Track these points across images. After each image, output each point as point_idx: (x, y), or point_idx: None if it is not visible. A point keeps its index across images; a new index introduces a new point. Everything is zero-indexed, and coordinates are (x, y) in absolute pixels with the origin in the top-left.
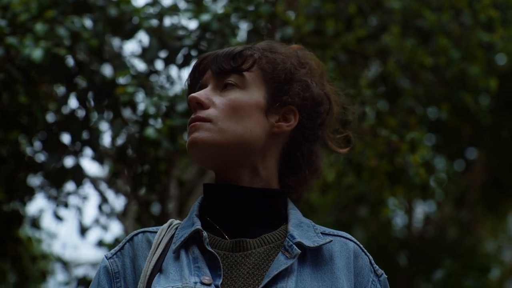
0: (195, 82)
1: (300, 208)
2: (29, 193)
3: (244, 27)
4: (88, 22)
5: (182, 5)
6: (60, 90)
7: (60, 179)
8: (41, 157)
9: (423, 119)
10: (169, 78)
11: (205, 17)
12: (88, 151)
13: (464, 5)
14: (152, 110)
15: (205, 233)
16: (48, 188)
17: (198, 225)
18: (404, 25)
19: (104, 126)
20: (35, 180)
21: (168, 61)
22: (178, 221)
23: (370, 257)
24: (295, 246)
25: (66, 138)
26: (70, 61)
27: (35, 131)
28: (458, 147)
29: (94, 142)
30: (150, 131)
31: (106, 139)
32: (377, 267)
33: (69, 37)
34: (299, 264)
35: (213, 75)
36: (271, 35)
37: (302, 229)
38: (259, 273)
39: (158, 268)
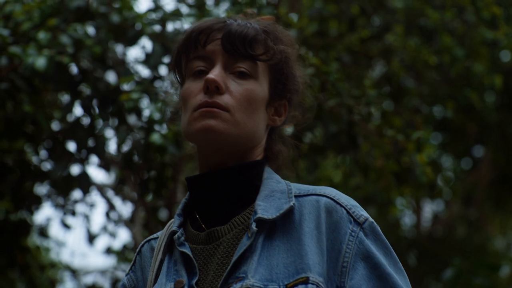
0: (194, 48)
1: None
2: (36, 202)
3: None
4: (91, 30)
5: (185, 10)
6: (65, 98)
7: (66, 187)
8: (47, 166)
9: (429, 118)
10: (173, 84)
11: None
12: (94, 159)
13: (467, 3)
14: (157, 116)
15: (178, 234)
16: (55, 196)
17: (175, 225)
18: (407, 25)
19: (109, 133)
20: (41, 189)
21: None
22: None
23: (349, 206)
24: (254, 224)
25: (71, 146)
26: (74, 68)
27: (41, 140)
28: (464, 145)
29: (100, 149)
30: (155, 137)
31: (112, 146)
32: (359, 214)
33: (72, 44)
34: (266, 239)
35: (223, 52)
36: None
37: (272, 198)
38: (228, 261)
39: (158, 277)
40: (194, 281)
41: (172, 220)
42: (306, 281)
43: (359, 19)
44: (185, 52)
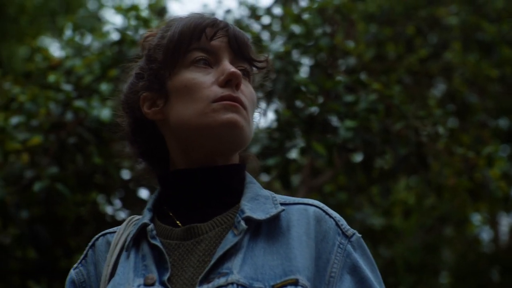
0: (197, 39)
1: (383, 234)
2: None
3: (306, 62)
4: None
5: None
6: None
7: None
8: (121, 215)
9: (496, 131)
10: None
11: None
12: None
13: None
14: None
15: (150, 226)
16: None
17: (146, 218)
18: (464, 40)
19: None
20: None
21: None
22: (138, 217)
23: (338, 218)
24: (242, 222)
25: (143, 193)
26: None
27: (113, 190)
28: None
29: None
30: None
31: None
32: (347, 227)
33: None
34: (251, 239)
35: (230, 50)
36: (334, 66)
37: (257, 202)
38: (210, 259)
39: (115, 271)
40: (165, 277)
41: (132, 216)
42: (295, 283)
43: (415, 39)
44: (184, 42)
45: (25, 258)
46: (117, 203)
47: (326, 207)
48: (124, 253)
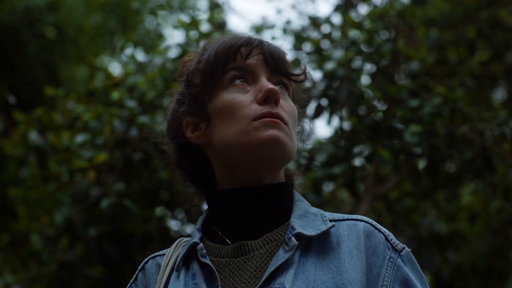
0: (232, 59)
1: (450, 239)
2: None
3: (368, 68)
4: None
5: (303, 56)
6: None
7: None
8: (187, 230)
9: None
10: (303, 132)
11: (329, 65)
12: None
13: None
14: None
15: (200, 245)
16: None
17: (196, 238)
18: None
19: None
20: None
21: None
22: (186, 239)
23: (387, 233)
24: (293, 238)
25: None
26: None
27: (177, 205)
28: None
29: None
30: None
31: None
32: (397, 242)
33: None
34: (302, 255)
35: (266, 67)
36: (396, 72)
37: (307, 219)
38: (261, 275)
39: None
40: None
41: (181, 238)
42: None
43: (477, 42)
44: (220, 63)
45: (93, 276)
46: (182, 217)
47: (375, 223)
48: (174, 274)
